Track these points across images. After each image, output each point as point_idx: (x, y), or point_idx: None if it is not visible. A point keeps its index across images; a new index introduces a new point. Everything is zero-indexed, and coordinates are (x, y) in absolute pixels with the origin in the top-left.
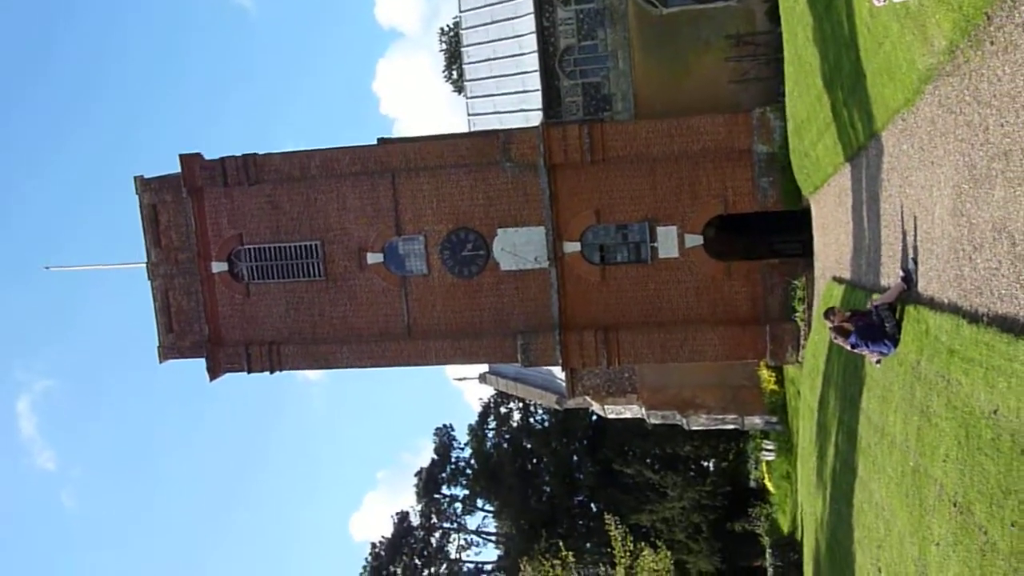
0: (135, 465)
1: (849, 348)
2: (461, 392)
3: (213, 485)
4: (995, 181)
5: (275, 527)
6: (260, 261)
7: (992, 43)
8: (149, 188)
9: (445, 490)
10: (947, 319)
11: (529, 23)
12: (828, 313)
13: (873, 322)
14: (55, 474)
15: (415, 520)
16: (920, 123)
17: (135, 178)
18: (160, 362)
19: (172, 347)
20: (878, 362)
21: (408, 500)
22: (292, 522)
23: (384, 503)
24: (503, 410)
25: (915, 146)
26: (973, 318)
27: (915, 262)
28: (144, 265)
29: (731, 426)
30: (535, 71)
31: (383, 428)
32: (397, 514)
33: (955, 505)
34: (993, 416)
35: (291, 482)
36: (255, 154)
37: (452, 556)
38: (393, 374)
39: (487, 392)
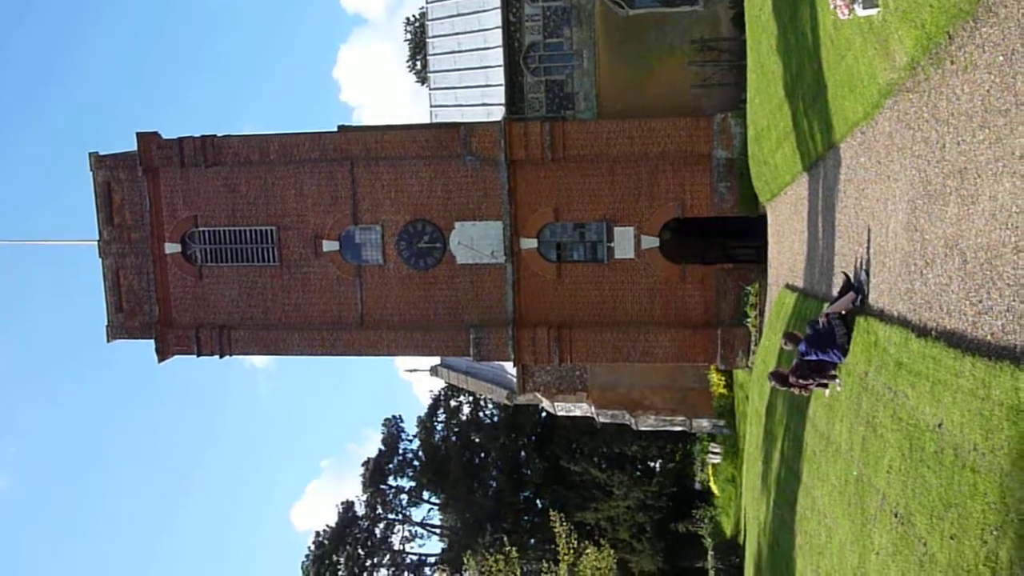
0: (72, 446)
1: (797, 385)
2: (410, 384)
3: (152, 470)
4: (949, 198)
5: (216, 514)
6: (214, 244)
7: (952, 62)
8: (104, 165)
9: (391, 481)
10: (896, 332)
11: (495, 18)
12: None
13: (822, 332)
14: None
15: (360, 510)
16: (878, 137)
17: (90, 154)
18: (108, 341)
19: (121, 327)
20: (839, 383)
21: (352, 490)
22: (233, 509)
23: (327, 493)
24: (453, 403)
25: (872, 159)
26: (922, 332)
27: (867, 274)
28: (95, 243)
29: (679, 428)
30: (499, 66)
31: (329, 417)
32: (342, 503)
33: (896, 516)
34: (937, 430)
35: (233, 469)
36: (213, 136)
37: (396, 547)
38: (342, 363)
39: (437, 385)
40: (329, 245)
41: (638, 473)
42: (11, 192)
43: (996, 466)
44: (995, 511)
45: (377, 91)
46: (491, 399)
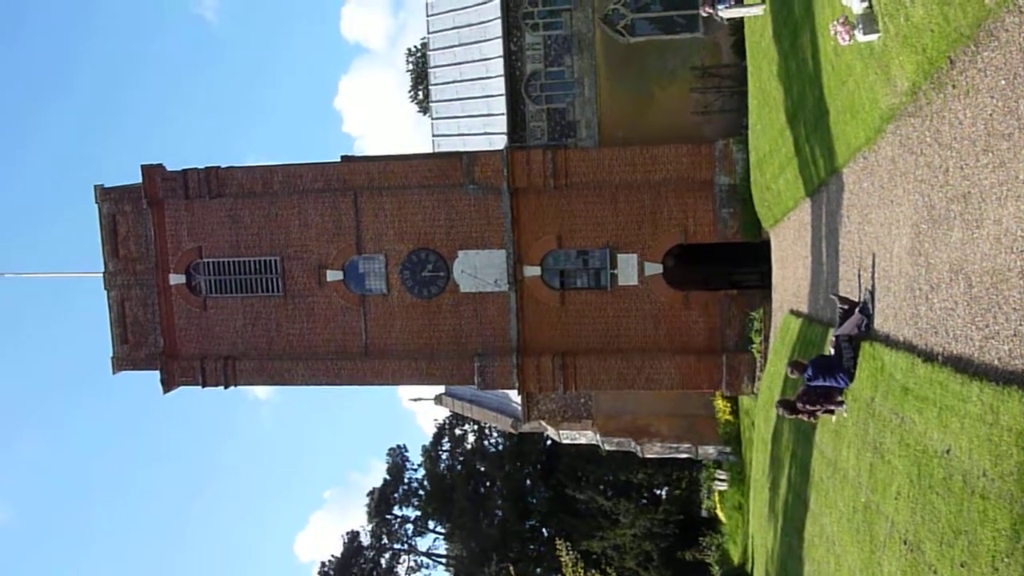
0: (77, 477)
1: (805, 412)
2: (414, 414)
3: (156, 501)
4: (953, 223)
5: (219, 545)
6: (218, 275)
7: (954, 86)
8: (109, 198)
9: (397, 511)
10: (902, 357)
11: (497, 47)
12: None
13: (830, 356)
14: None
15: (365, 540)
16: (881, 162)
17: (95, 187)
18: (113, 373)
19: (126, 358)
20: (844, 408)
21: (356, 520)
22: (237, 540)
23: (331, 523)
24: (458, 432)
25: (875, 184)
26: (928, 357)
27: (872, 296)
28: (101, 275)
29: (685, 455)
30: (501, 95)
31: (333, 447)
32: (348, 534)
33: (906, 543)
34: (945, 456)
35: (236, 499)
36: (217, 167)
37: None
38: (346, 393)
39: (442, 413)
40: (333, 275)
41: (644, 501)
42: (14, 224)
43: (1006, 492)
44: (1005, 538)
45: (379, 121)
46: (496, 428)
